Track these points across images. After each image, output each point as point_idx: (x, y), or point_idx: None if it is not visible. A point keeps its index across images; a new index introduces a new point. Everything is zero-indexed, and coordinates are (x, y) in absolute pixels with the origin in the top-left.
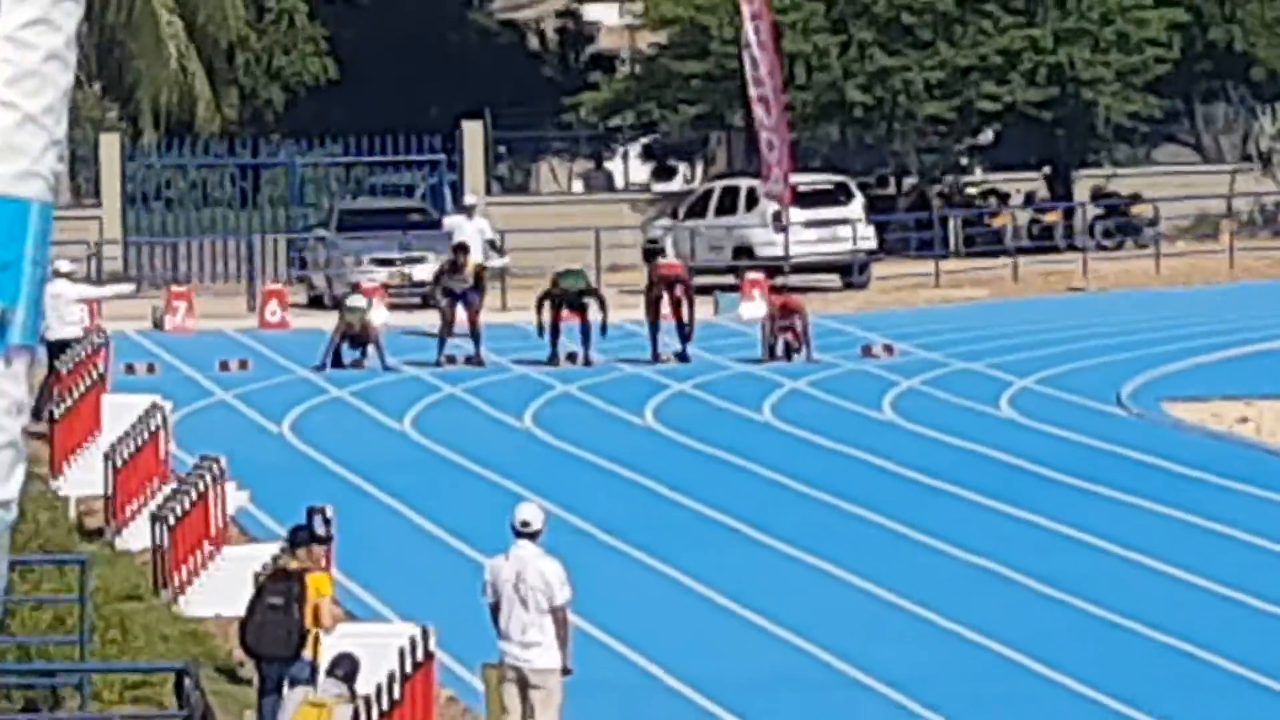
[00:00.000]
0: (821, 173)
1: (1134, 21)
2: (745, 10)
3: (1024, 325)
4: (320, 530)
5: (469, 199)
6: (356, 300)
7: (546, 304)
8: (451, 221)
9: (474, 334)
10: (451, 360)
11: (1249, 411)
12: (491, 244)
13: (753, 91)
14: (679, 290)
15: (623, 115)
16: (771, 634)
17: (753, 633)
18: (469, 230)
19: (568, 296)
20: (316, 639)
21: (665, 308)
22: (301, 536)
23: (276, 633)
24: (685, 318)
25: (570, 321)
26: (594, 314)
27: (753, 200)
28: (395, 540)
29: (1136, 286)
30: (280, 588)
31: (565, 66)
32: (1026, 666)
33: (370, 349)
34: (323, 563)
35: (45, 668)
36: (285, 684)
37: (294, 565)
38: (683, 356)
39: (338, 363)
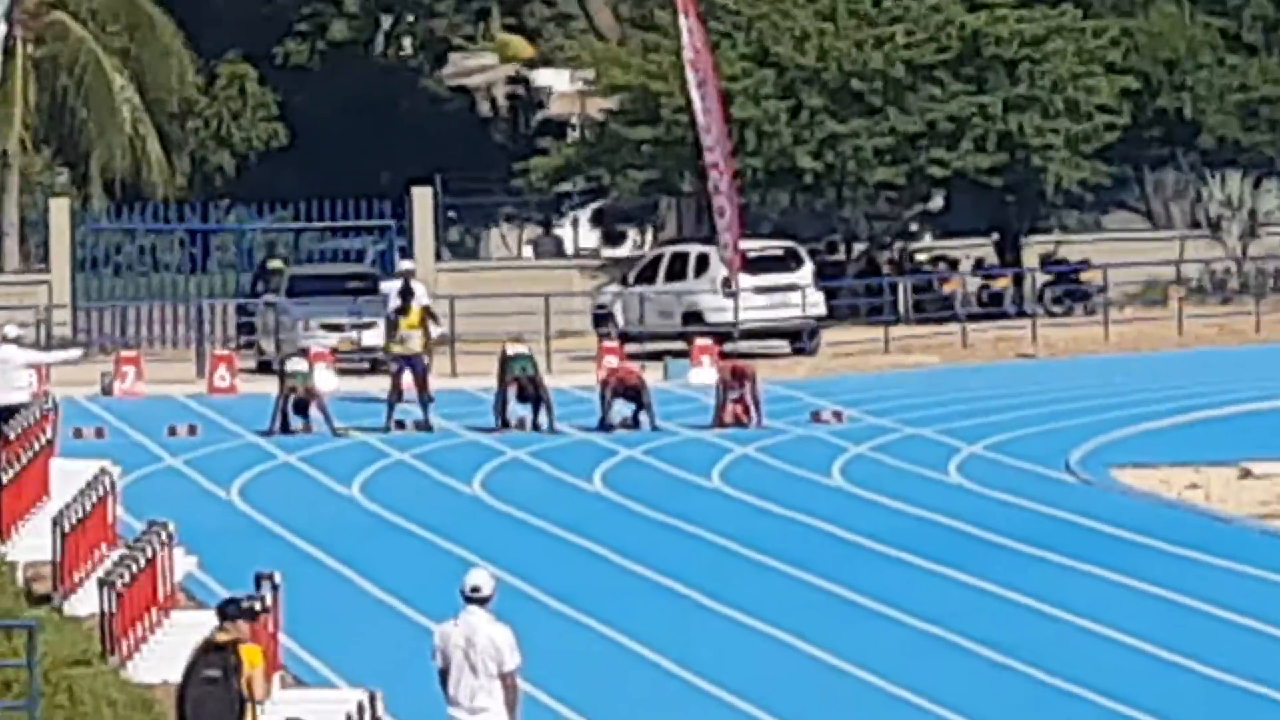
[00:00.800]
0: (771, 238)
1: (1084, 89)
2: (690, 78)
3: (973, 391)
4: (256, 605)
5: (406, 264)
6: (297, 364)
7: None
8: (389, 286)
9: (422, 399)
10: (401, 425)
11: (1198, 478)
12: (427, 310)
13: (705, 158)
14: (636, 394)
15: (573, 181)
16: (721, 700)
17: (702, 699)
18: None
19: (519, 383)
20: (254, 710)
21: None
22: (231, 610)
23: (216, 707)
24: (647, 417)
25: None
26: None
27: (702, 266)
28: (344, 605)
29: (1085, 353)
30: (215, 660)
31: (515, 132)
32: None
33: (317, 414)
34: (249, 635)
35: None
36: None
37: (224, 638)
38: (634, 422)
39: (286, 428)
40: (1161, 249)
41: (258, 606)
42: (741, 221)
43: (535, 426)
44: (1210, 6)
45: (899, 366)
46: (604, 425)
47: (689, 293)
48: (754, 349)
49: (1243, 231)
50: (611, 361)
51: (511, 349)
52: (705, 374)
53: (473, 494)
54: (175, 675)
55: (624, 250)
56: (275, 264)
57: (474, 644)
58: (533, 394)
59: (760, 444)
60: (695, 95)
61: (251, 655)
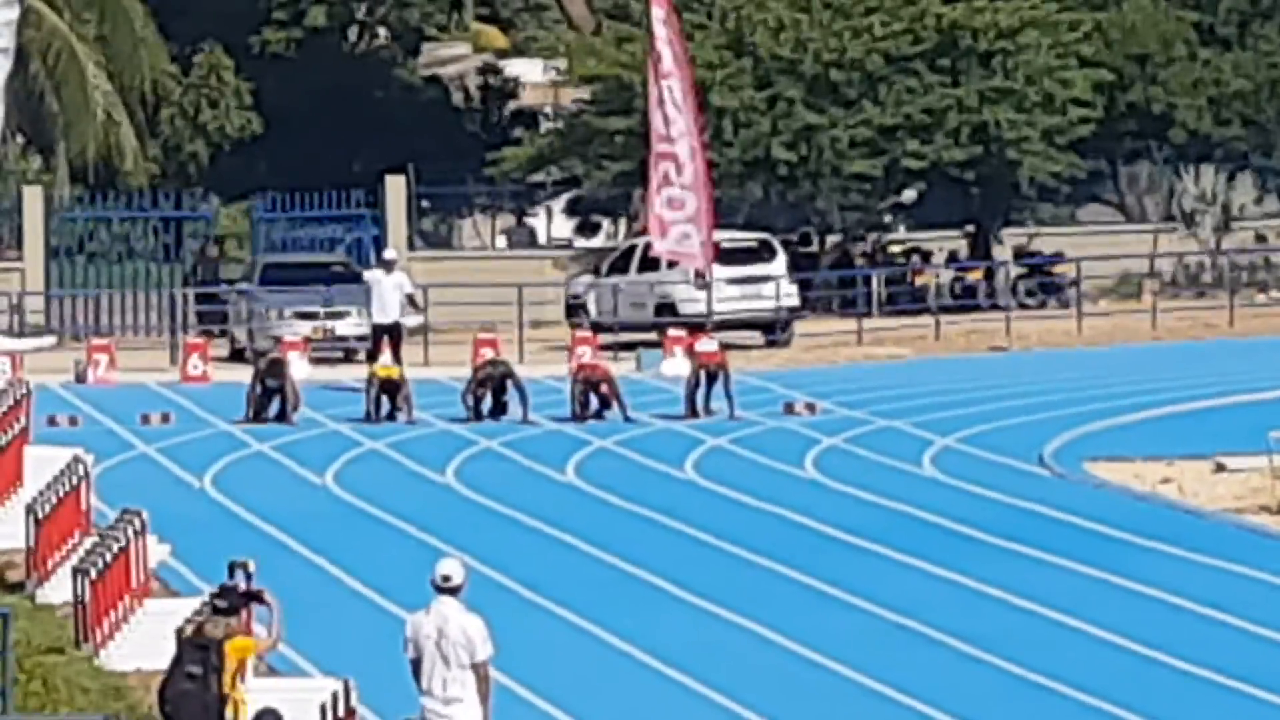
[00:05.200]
0: (745, 230)
1: (1059, 82)
2: (655, 70)
3: (946, 384)
4: (250, 586)
5: (388, 254)
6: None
7: (477, 388)
8: (371, 276)
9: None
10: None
11: (1171, 472)
12: (410, 299)
13: (656, 148)
14: (604, 389)
15: (546, 171)
16: (694, 691)
17: (675, 690)
18: (387, 285)
19: (493, 380)
20: (237, 706)
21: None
22: (235, 600)
23: (194, 706)
24: (617, 409)
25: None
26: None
27: None
28: (317, 595)
29: (1059, 346)
30: (198, 656)
31: (489, 122)
32: None
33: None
34: (240, 629)
35: None
36: None
37: (219, 634)
38: (599, 414)
39: (259, 417)
40: (1135, 242)
41: (253, 588)
42: (715, 213)
43: (494, 416)
44: (1183, 0)
45: (872, 358)
46: (575, 416)
47: (662, 284)
48: (728, 340)
49: (1216, 225)
50: (583, 353)
51: (488, 356)
52: (678, 365)
53: (445, 483)
54: (149, 663)
55: (598, 241)
56: (213, 251)
57: (446, 634)
58: (502, 388)
59: (733, 435)
60: (661, 86)
61: (244, 645)
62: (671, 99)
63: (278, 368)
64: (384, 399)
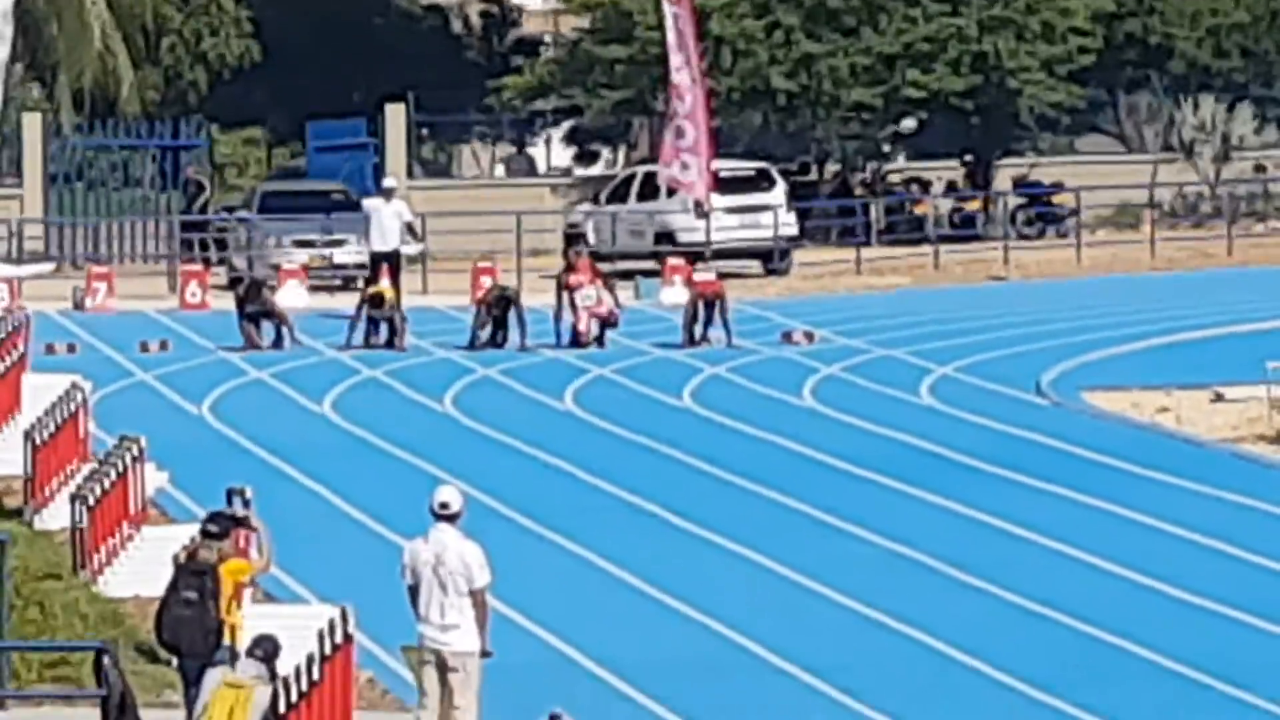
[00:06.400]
0: (743, 159)
1: (1059, 11)
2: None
3: (945, 313)
4: (239, 512)
5: (388, 182)
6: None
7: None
8: (370, 204)
9: (392, 324)
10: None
11: (1169, 401)
12: (409, 227)
13: (674, 78)
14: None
15: (546, 99)
16: (691, 619)
17: (672, 617)
18: (386, 213)
19: (500, 306)
20: (234, 630)
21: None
22: (226, 525)
23: (193, 631)
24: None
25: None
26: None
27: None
28: (315, 522)
29: (1057, 276)
30: (194, 583)
31: (489, 50)
32: (944, 653)
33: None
34: (232, 551)
35: None
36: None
37: (212, 558)
38: (600, 341)
39: (252, 343)
40: (1134, 172)
41: (240, 513)
42: (714, 142)
43: (496, 343)
44: None
45: (870, 288)
46: (573, 339)
47: (661, 213)
48: (726, 269)
49: (1216, 155)
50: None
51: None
52: (677, 294)
53: (444, 411)
54: (146, 590)
55: (597, 169)
56: (194, 171)
57: (443, 561)
58: (505, 315)
59: (731, 364)
60: (668, 13)
61: (239, 568)
62: (677, 26)
63: (256, 291)
64: (378, 323)
